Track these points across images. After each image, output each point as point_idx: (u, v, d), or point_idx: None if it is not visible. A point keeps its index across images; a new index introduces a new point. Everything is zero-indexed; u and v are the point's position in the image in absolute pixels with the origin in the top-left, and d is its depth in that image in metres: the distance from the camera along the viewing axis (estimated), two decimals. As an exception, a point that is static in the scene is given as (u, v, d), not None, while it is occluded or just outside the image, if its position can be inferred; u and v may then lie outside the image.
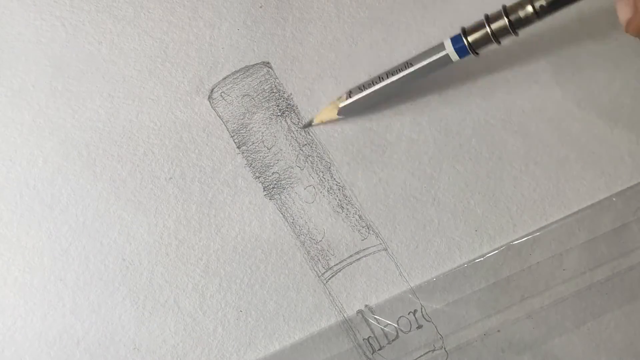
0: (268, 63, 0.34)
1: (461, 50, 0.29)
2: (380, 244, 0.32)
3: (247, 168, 0.33)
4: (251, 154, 0.33)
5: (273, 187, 0.33)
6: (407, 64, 0.31)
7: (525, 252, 0.32)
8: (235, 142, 0.33)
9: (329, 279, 0.32)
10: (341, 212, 0.33)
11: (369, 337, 0.32)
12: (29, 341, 0.31)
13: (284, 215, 0.32)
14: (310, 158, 0.33)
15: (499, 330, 0.32)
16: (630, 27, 0.27)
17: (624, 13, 0.27)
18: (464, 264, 0.32)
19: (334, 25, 0.34)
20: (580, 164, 0.33)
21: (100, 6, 0.34)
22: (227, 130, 0.33)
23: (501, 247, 0.32)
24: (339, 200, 0.33)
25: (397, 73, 0.31)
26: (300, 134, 0.33)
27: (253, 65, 0.34)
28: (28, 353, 0.31)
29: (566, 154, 0.33)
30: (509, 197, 0.33)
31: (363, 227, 0.33)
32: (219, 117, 0.33)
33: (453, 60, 0.29)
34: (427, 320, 0.32)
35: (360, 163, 0.33)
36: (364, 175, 0.33)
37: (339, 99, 0.33)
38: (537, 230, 0.32)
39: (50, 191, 0.32)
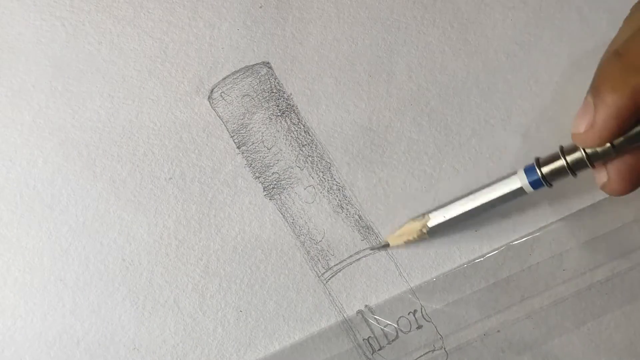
0: (268, 63, 0.34)
1: (536, 183, 0.28)
2: (381, 244, 0.32)
3: (247, 168, 0.33)
4: (251, 154, 0.33)
5: (273, 187, 0.33)
6: (485, 193, 0.30)
7: (525, 253, 0.32)
8: (235, 142, 0.33)
9: (329, 279, 0.32)
10: (341, 212, 0.33)
11: (369, 337, 0.32)
12: (29, 341, 0.31)
13: (283, 216, 0.32)
14: (310, 158, 0.33)
15: (498, 331, 0.32)
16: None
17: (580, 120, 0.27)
18: (463, 264, 0.32)
19: (334, 26, 0.34)
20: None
21: (100, 6, 0.34)
22: (227, 130, 0.33)
23: (501, 247, 0.32)
24: (339, 200, 0.33)
25: (475, 200, 0.30)
26: (300, 134, 0.33)
27: (253, 65, 0.34)
28: (28, 353, 0.31)
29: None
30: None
31: (363, 227, 0.33)
32: (219, 117, 0.33)
33: (527, 192, 0.28)
34: (427, 321, 0.32)
35: (360, 163, 0.33)
36: (364, 176, 0.33)
37: (424, 216, 0.32)
38: (537, 231, 0.32)
39: (50, 191, 0.32)
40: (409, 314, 0.32)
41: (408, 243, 0.32)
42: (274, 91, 0.34)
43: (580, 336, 0.32)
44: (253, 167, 0.33)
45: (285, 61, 0.34)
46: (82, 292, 0.31)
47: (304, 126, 0.33)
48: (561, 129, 0.34)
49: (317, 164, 0.33)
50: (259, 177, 0.33)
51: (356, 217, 0.33)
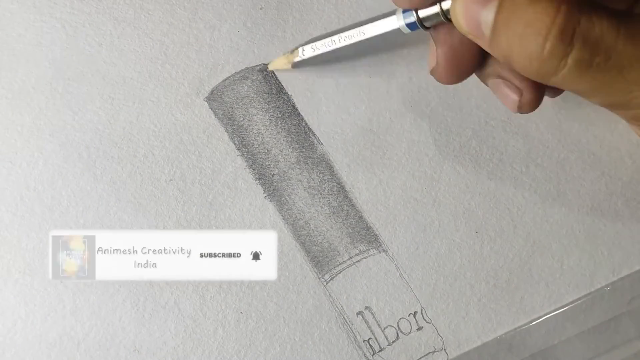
0: (268, 64, 0.34)
1: (412, 25, 0.27)
2: (381, 245, 0.32)
3: (248, 170, 0.33)
4: (251, 155, 0.33)
5: (273, 189, 0.33)
6: (360, 30, 0.30)
7: (526, 255, 0.32)
8: (235, 144, 0.33)
9: (329, 280, 0.32)
10: (341, 213, 0.33)
11: (369, 338, 0.32)
12: (29, 343, 0.31)
13: (284, 217, 0.32)
14: (310, 160, 0.33)
15: (499, 332, 0.32)
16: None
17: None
18: (464, 265, 0.32)
19: (334, 27, 0.34)
20: (580, 165, 0.33)
21: (101, 8, 0.34)
22: (227, 132, 0.33)
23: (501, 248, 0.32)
24: (339, 201, 0.33)
25: (350, 37, 0.30)
26: (301, 136, 0.33)
27: (253, 66, 0.34)
28: (28, 355, 0.31)
29: (566, 155, 0.33)
30: (509, 198, 0.33)
31: (363, 229, 0.33)
32: (219, 118, 0.33)
33: (404, 32, 0.28)
34: (428, 322, 0.32)
35: (361, 164, 0.33)
36: (364, 177, 0.33)
37: (293, 52, 0.33)
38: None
39: (51, 193, 0.32)
40: (409, 315, 0.32)
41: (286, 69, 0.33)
42: (274, 93, 0.34)
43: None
44: (253, 169, 0.33)
45: (285, 63, 0.34)
46: (82, 293, 0.31)
47: (304, 128, 0.33)
48: (561, 129, 0.34)
49: (317, 166, 0.33)
50: (260, 178, 0.33)
51: (356, 218, 0.33)
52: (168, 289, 0.31)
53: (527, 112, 0.26)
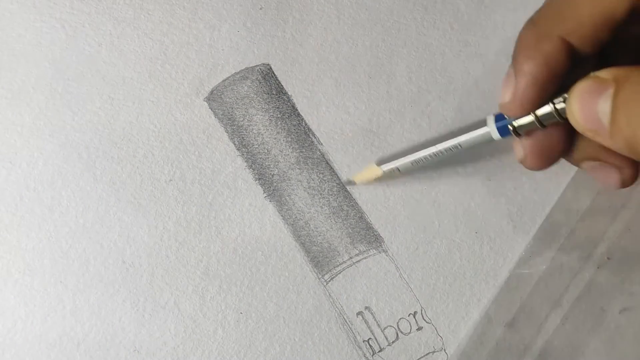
0: (268, 65, 0.34)
1: (503, 131, 0.27)
2: (381, 245, 0.32)
3: (247, 170, 0.33)
4: (251, 155, 0.33)
5: (273, 189, 0.33)
6: (450, 136, 0.29)
7: (526, 255, 0.32)
8: (235, 144, 0.33)
9: (329, 281, 0.32)
10: (341, 213, 0.33)
11: (369, 338, 0.32)
12: (29, 343, 0.31)
13: (284, 217, 0.32)
14: (310, 160, 0.33)
15: (499, 332, 0.32)
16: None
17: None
18: (464, 265, 0.32)
19: (334, 27, 0.34)
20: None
21: (100, 8, 0.34)
22: (227, 132, 0.33)
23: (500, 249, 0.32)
24: (339, 201, 0.33)
25: (441, 145, 0.30)
26: (300, 136, 0.33)
27: (253, 67, 0.34)
28: (28, 355, 0.31)
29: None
30: (509, 198, 0.33)
31: (363, 229, 0.33)
32: (219, 119, 0.33)
33: (495, 138, 0.28)
34: (427, 322, 0.32)
35: (361, 165, 0.33)
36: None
37: (377, 161, 0.32)
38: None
39: (50, 193, 0.32)
40: (409, 315, 0.32)
41: (372, 183, 0.33)
42: (274, 93, 0.34)
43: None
44: (253, 169, 0.33)
45: (285, 63, 0.34)
46: (82, 294, 0.31)
47: (304, 128, 0.33)
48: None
49: (317, 166, 0.33)
50: (259, 178, 0.33)
51: (356, 218, 0.33)
52: (168, 289, 0.31)
53: (627, 186, 0.26)
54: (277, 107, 0.33)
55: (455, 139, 0.29)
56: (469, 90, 0.34)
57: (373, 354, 0.31)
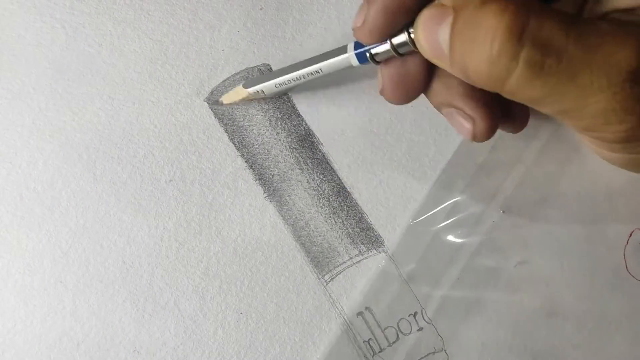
0: (268, 65, 0.34)
1: (362, 57, 0.27)
2: (381, 245, 0.32)
3: (248, 170, 0.33)
4: (251, 156, 0.33)
5: (273, 190, 0.33)
6: (312, 62, 0.30)
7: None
8: (235, 145, 0.33)
9: (330, 281, 0.32)
10: (342, 214, 0.33)
11: (370, 339, 0.32)
12: (29, 344, 0.31)
13: (284, 218, 0.32)
14: (310, 160, 0.33)
15: (499, 333, 0.32)
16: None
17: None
18: (463, 266, 0.32)
19: (334, 27, 0.34)
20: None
21: (101, 8, 0.34)
22: (227, 132, 0.33)
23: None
24: (340, 202, 0.33)
25: (307, 75, 0.30)
26: (301, 136, 0.33)
27: (253, 67, 0.34)
28: (28, 355, 0.31)
29: (567, 155, 0.33)
30: (509, 198, 0.33)
31: (364, 229, 0.33)
32: (219, 119, 0.33)
33: (354, 65, 0.28)
34: (428, 323, 0.32)
35: (361, 165, 0.33)
36: (365, 177, 0.33)
37: (244, 84, 0.32)
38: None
39: (50, 193, 0.32)
40: (409, 316, 0.32)
41: (238, 104, 0.33)
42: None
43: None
44: (253, 170, 0.33)
45: (285, 63, 0.34)
46: (82, 294, 0.31)
47: (304, 128, 0.33)
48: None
49: (317, 166, 0.33)
50: (259, 179, 0.33)
51: (357, 218, 0.33)
52: (168, 289, 0.31)
53: (482, 141, 0.26)
54: (277, 107, 0.33)
55: (316, 64, 0.29)
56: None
57: (373, 355, 0.31)
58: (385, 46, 0.25)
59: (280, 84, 0.31)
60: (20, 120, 0.33)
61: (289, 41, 0.34)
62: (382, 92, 0.27)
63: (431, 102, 0.27)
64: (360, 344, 0.31)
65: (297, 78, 0.30)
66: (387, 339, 0.32)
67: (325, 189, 0.33)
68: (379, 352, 0.31)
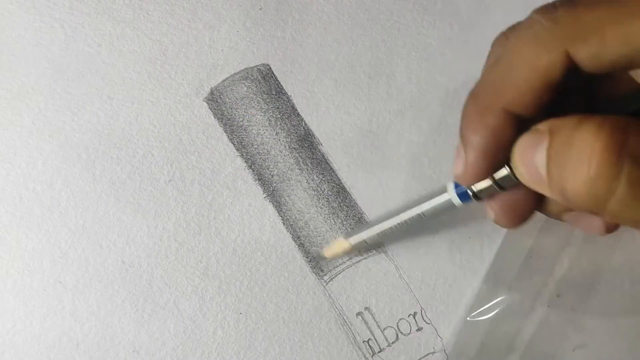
0: (268, 65, 0.34)
1: (464, 197, 0.27)
2: (381, 245, 0.32)
3: (247, 170, 0.33)
4: (251, 156, 0.33)
5: (273, 190, 0.33)
6: (411, 206, 0.29)
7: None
8: (234, 145, 0.33)
9: (329, 281, 0.32)
10: (341, 214, 0.33)
11: (369, 339, 0.32)
12: (29, 344, 0.31)
13: (283, 218, 0.32)
14: (310, 160, 0.33)
15: (498, 333, 0.32)
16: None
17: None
18: (464, 265, 0.32)
19: (333, 27, 0.34)
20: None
21: (100, 8, 0.34)
22: (227, 132, 0.33)
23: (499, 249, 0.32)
24: (339, 202, 0.33)
25: (404, 215, 0.29)
26: (300, 136, 0.33)
27: (253, 67, 0.34)
28: (28, 355, 0.31)
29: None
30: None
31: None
32: (219, 119, 0.33)
33: (457, 205, 0.27)
34: (427, 323, 0.32)
35: (360, 165, 0.33)
36: (364, 178, 0.33)
37: (345, 237, 0.32)
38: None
39: (50, 194, 0.32)
40: (409, 316, 0.32)
41: (341, 256, 0.32)
42: (274, 93, 0.34)
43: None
44: (253, 169, 0.33)
45: (285, 63, 0.34)
46: (81, 294, 0.31)
47: (303, 128, 0.33)
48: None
49: (317, 166, 0.33)
50: (259, 179, 0.33)
51: (356, 219, 0.33)
52: (167, 289, 0.31)
53: (615, 230, 0.25)
54: (277, 108, 0.33)
55: (417, 207, 0.28)
56: (469, 90, 0.34)
57: (373, 355, 0.31)
58: (487, 182, 0.24)
59: (382, 234, 0.30)
60: (19, 120, 0.33)
61: (289, 41, 0.34)
62: (497, 222, 0.26)
63: (549, 216, 0.26)
64: (359, 344, 0.31)
65: (399, 225, 0.29)
66: (386, 339, 0.32)
67: (324, 189, 0.33)
68: (379, 352, 0.31)
